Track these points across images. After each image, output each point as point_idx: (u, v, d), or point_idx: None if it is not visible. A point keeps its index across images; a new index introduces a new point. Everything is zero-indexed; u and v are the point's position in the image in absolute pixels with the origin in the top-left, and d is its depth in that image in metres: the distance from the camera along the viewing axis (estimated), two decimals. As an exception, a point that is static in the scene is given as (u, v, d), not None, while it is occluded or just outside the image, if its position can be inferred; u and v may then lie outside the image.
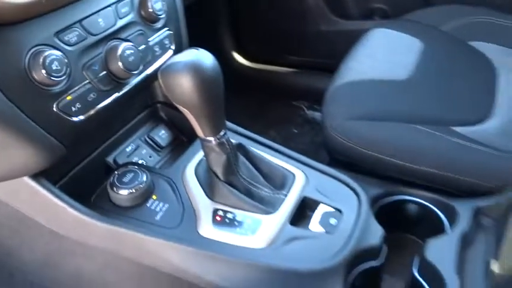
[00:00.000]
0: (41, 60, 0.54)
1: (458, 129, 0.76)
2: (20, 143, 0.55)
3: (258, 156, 0.72)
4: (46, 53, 0.55)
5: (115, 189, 0.64)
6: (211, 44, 0.95)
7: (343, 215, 0.65)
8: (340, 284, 0.59)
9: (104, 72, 0.63)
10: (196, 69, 0.56)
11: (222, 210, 0.65)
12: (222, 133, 0.62)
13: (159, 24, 0.72)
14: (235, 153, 0.66)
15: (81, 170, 0.69)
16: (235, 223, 0.63)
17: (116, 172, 0.66)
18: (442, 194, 0.73)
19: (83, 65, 0.60)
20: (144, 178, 0.65)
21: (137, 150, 0.77)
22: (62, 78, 0.56)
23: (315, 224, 0.64)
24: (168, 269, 0.61)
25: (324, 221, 0.65)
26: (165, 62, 0.67)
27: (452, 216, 0.70)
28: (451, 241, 0.65)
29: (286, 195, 0.67)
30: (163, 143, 0.80)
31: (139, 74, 0.68)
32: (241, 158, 0.68)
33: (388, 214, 0.72)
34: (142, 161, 0.76)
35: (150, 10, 0.69)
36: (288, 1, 1.30)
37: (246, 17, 1.38)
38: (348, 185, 0.70)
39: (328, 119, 0.80)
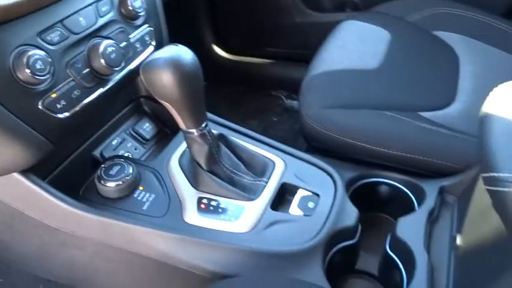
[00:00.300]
0: (25, 60, 0.55)
1: (425, 114, 0.79)
2: (7, 141, 0.57)
3: (239, 145, 0.74)
4: (30, 53, 0.56)
5: (102, 181, 0.66)
6: (191, 38, 0.97)
7: (321, 199, 0.69)
8: (319, 262, 0.62)
9: (87, 69, 0.64)
10: (176, 65, 0.58)
11: (206, 198, 0.67)
12: (203, 125, 0.65)
13: (139, 22, 0.73)
14: (217, 143, 0.68)
15: (69, 165, 0.71)
16: (219, 210, 0.66)
17: (102, 165, 0.68)
18: (411, 175, 0.76)
19: (66, 63, 0.61)
20: (131, 170, 0.68)
21: (123, 143, 0.79)
22: (46, 76, 0.58)
23: (294, 208, 0.68)
24: (156, 256, 0.63)
25: (302, 205, 0.68)
26: (146, 58, 0.69)
27: (420, 196, 0.74)
28: (420, 218, 0.69)
29: (266, 182, 0.70)
30: (147, 136, 0.82)
31: (121, 70, 0.69)
32: (223, 148, 0.70)
33: (362, 196, 0.76)
34: (128, 153, 0.78)
35: (130, 8, 0.70)
36: (264, -5, 1.32)
37: (224, 10, 1.40)
38: (324, 170, 0.74)
39: (305, 108, 0.83)
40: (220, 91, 1.42)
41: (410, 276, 0.63)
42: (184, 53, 0.60)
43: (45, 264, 0.76)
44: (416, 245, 0.65)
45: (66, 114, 0.62)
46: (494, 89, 0.55)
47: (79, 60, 0.63)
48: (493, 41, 0.98)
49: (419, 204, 0.73)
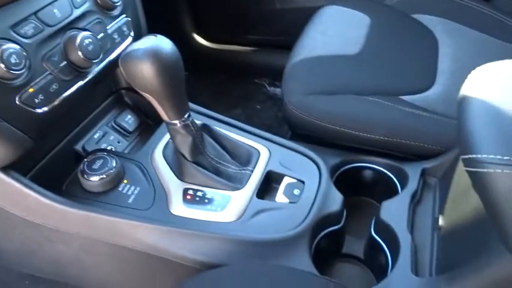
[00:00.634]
0: None
1: (406, 98, 0.80)
2: None
3: (223, 135, 0.74)
4: (3, 47, 0.54)
5: (86, 176, 0.66)
6: (171, 27, 0.95)
7: (306, 185, 0.69)
8: (306, 248, 0.63)
9: (64, 62, 0.63)
10: (155, 55, 0.57)
11: (191, 189, 0.67)
12: (186, 115, 0.64)
13: (116, 12, 0.72)
14: (200, 134, 0.68)
15: (50, 160, 0.70)
16: (206, 200, 0.66)
17: (85, 159, 0.68)
18: (393, 159, 0.77)
19: (42, 56, 0.60)
20: (114, 163, 0.67)
21: (105, 136, 0.78)
22: (22, 71, 0.57)
23: (280, 195, 0.68)
24: (143, 248, 0.63)
25: (288, 192, 0.69)
26: (124, 49, 0.68)
27: (403, 179, 0.75)
28: (403, 201, 0.70)
29: (252, 171, 0.70)
30: (130, 128, 0.81)
31: (100, 62, 0.68)
32: (207, 138, 0.70)
33: (347, 181, 0.77)
34: (111, 147, 0.77)
35: None
36: (243, -19, 1.31)
37: (204, -2, 1.38)
38: (308, 157, 0.74)
39: (287, 95, 0.83)
40: (202, 80, 1.41)
41: (395, 258, 0.64)
42: (163, 43, 0.59)
43: (29, 260, 0.75)
44: (400, 228, 0.67)
45: (45, 109, 0.61)
46: (473, 71, 0.56)
47: (55, 53, 0.62)
48: (472, 23, 0.99)
49: (402, 187, 0.74)
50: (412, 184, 0.73)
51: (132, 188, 0.68)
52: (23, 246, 0.72)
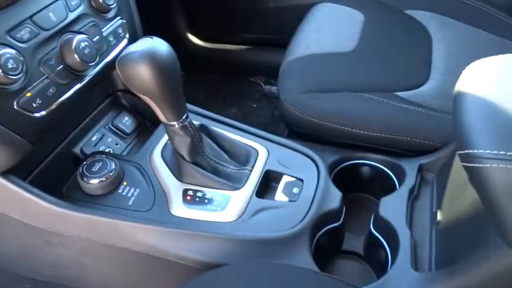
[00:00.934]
0: None
1: (401, 94, 0.81)
2: None
3: (220, 135, 0.74)
4: (0, 52, 0.54)
5: (85, 179, 0.66)
6: (165, 28, 0.95)
7: (304, 183, 0.70)
8: (307, 246, 0.63)
9: (61, 66, 0.63)
10: (152, 57, 0.57)
11: (191, 190, 0.67)
12: (184, 117, 0.65)
13: (110, 14, 0.72)
14: (199, 134, 0.68)
15: (49, 163, 0.70)
16: (205, 201, 0.66)
17: (84, 162, 0.68)
18: (391, 155, 0.78)
19: (38, 60, 0.60)
20: (113, 166, 0.67)
21: (103, 139, 0.78)
22: (19, 76, 0.57)
23: (279, 194, 0.69)
24: (145, 250, 0.63)
25: (287, 191, 0.69)
26: (121, 51, 0.68)
27: (401, 175, 0.75)
28: (401, 197, 0.71)
29: (251, 170, 0.71)
30: (128, 130, 0.81)
31: (96, 65, 0.68)
32: (205, 139, 0.70)
33: (345, 178, 0.77)
34: (109, 149, 0.77)
35: (101, 1, 0.69)
36: (236, -21, 1.31)
37: (197, -3, 1.38)
38: (306, 155, 0.75)
39: (284, 94, 0.83)
40: (197, 80, 1.41)
41: (394, 254, 0.65)
42: (160, 45, 0.59)
43: (30, 264, 0.75)
44: (399, 223, 0.67)
45: (43, 113, 0.61)
46: (467, 67, 0.56)
47: (52, 57, 0.62)
48: (465, 17, 1.00)
49: (400, 183, 0.75)
50: (410, 180, 0.73)
51: (132, 189, 0.68)
52: (23, 249, 0.72)
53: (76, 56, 0.63)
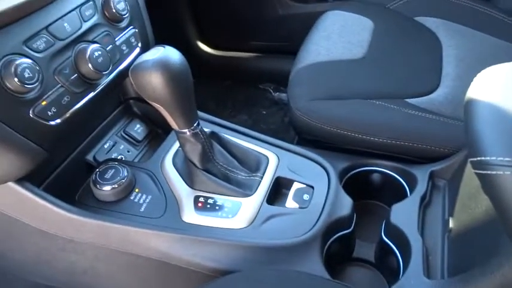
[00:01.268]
0: (13, 69, 0.55)
1: (412, 100, 0.81)
2: (1, 151, 0.57)
3: (231, 142, 0.75)
4: (17, 62, 0.55)
5: (98, 186, 0.67)
6: (175, 36, 0.96)
7: (315, 190, 0.70)
8: (318, 253, 0.63)
9: (75, 75, 0.64)
10: (165, 66, 0.58)
11: (202, 196, 0.68)
12: (195, 124, 0.65)
13: (123, 24, 0.73)
14: (209, 141, 0.68)
15: (63, 171, 0.71)
16: (217, 207, 0.67)
17: (97, 170, 0.69)
18: (402, 162, 0.78)
19: (54, 70, 0.61)
20: (125, 173, 0.68)
21: (115, 146, 0.79)
22: (35, 85, 0.58)
23: (289, 201, 0.69)
24: (157, 256, 0.63)
25: (297, 198, 0.69)
26: (133, 60, 0.69)
27: (412, 182, 0.75)
28: (412, 204, 0.71)
29: (261, 177, 0.71)
30: (139, 137, 0.82)
31: (109, 73, 0.69)
32: (216, 146, 0.71)
33: (356, 185, 0.77)
34: (121, 156, 0.78)
35: (114, 10, 0.70)
36: (245, -12, 1.32)
37: (207, 6, 1.39)
38: (317, 162, 0.75)
39: (293, 101, 0.83)
40: (207, 87, 1.42)
41: (406, 261, 0.64)
42: (172, 54, 0.60)
43: (44, 270, 0.76)
44: (411, 231, 0.67)
45: (58, 121, 0.62)
46: (478, 74, 0.56)
47: (66, 66, 0.63)
48: (474, 23, 1.00)
49: (411, 190, 0.74)
50: (421, 187, 0.73)
51: (144, 196, 0.68)
52: (37, 256, 0.73)
53: (90, 65, 0.64)
